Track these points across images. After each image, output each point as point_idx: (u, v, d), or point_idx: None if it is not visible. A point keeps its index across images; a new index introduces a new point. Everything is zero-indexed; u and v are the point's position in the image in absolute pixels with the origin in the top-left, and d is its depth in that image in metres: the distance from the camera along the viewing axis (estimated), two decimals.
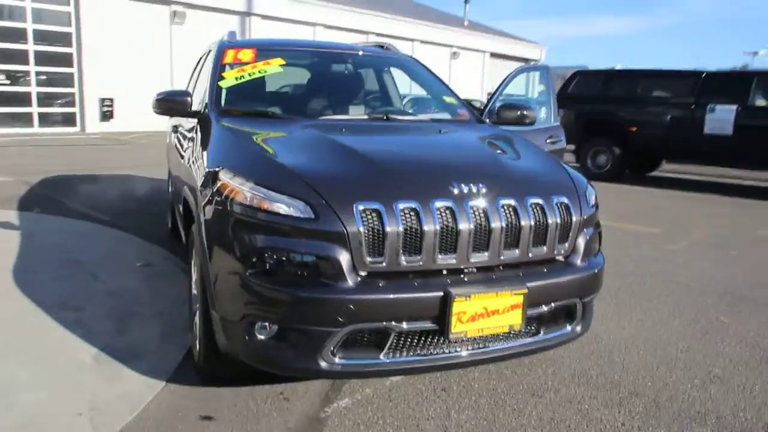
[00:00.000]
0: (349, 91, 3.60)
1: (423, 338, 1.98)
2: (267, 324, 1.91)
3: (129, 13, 16.37)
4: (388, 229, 1.84)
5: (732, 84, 9.07)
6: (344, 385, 2.50)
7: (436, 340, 1.99)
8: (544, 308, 2.12)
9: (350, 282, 1.82)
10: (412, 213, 1.88)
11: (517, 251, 2.06)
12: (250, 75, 3.18)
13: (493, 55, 29.49)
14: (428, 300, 1.87)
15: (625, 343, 3.02)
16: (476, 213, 1.96)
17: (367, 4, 22.65)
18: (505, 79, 4.99)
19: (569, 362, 2.75)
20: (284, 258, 1.85)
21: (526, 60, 31.02)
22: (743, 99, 8.48)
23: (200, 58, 4.73)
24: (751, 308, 3.68)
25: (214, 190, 2.07)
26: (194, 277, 2.43)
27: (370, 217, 1.85)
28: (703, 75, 9.22)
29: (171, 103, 2.96)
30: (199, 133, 2.86)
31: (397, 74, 4.01)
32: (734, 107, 8.46)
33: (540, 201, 2.10)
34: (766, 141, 8.16)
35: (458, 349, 2.02)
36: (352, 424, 2.21)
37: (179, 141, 3.65)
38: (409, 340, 1.97)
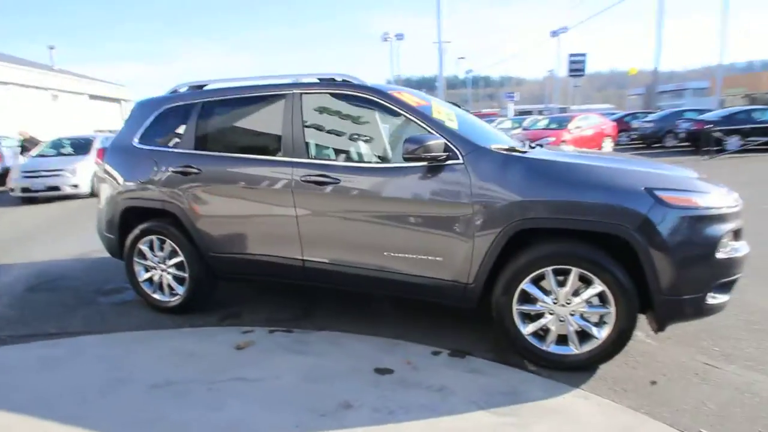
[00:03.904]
0: None
1: None
2: (718, 286, 2.72)
3: None
4: None
5: None
6: None
7: None
8: None
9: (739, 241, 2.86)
10: None
11: None
12: (449, 116, 3.20)
13: (92, 96, 32.66)
14: None
15: None
16: None
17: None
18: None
19: None
20: (730, 235, 2.73)
21: (120, 100, 36.18)
22: None
23: (179, 108, 3.87)
24: None
25: (667, 206, 2.59)
26: (598, 287, 2.68)
27: None
28: None
29: (429, 149, 2.83)
30: (485, 175, 2.83)
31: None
32: None
33: None
34: None
35: None
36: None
37: (378, 195, 3.11)
38: None
